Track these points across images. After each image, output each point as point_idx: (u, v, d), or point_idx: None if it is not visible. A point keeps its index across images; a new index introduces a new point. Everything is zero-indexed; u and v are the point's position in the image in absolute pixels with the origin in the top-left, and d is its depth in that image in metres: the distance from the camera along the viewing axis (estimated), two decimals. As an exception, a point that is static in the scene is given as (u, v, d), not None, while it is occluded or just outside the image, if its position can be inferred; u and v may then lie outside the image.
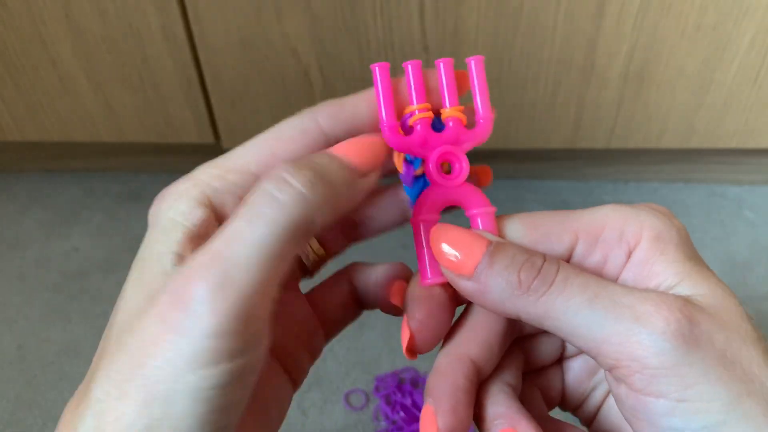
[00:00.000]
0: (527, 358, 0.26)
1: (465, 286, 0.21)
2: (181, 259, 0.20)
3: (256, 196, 0.18)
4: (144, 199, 0.81)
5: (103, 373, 0.18)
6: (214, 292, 0.17)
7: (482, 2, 0.58)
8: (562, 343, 0.26)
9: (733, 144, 0.68)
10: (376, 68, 0.24)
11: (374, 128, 0.24)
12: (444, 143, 0.24)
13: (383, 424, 0.57)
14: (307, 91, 0.66)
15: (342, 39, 0.62)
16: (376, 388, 0.59)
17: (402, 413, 0.57)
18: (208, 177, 0.23)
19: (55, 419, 0.67)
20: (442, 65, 0.25)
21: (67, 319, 0.67)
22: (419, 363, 0.61)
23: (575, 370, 0.27)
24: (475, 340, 0.22)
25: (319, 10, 0.60)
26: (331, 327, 0.25)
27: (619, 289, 0.19)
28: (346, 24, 0.61)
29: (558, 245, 0.22)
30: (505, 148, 0.71)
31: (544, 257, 0.20)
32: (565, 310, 0.19)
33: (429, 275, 0.23)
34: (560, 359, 0.27)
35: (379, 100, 0.24)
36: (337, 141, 0.23)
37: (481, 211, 0.23)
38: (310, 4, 0.60)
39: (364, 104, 0.24)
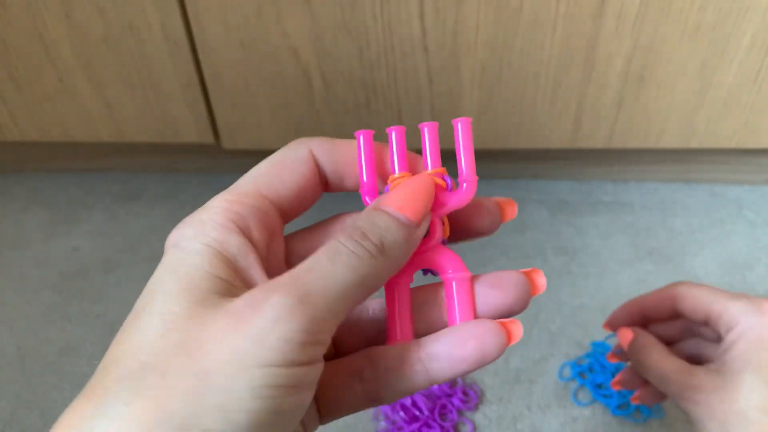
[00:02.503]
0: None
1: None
2: (222, 282, 0.20)
3: (335, 244, 0.20)
4: (144, 199, 0.81)
5: (126, 368, 0.18)
6: (294, 303, 0.18)
7: (482, 2, 0.58)
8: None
9: (733, 144, 0.68)
10: (360, 136, 0.25)
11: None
12: None
13: (383, 424, 0.57)
14: (307, 91, 0.66)
15: (342, 39, 0.62)
16: (376, 388, 0.59)
17: (402, 413, 0.57)
18: (228, 203, 0.23)
19: (55, 419, 0.66)
20: (426, 129, 0.25)
21: (67, 319, 0.67)
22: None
23: None
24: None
25: (319, 11, 0.60)
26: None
27: None
28: (346, 24, 0.61)
29: (667, 304, 0.45)
30: (504, 148, 0.71)
31: (639, 344, 0.45)
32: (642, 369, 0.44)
33: (399, 336, 0.24)
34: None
35: (360, 165, 0.24)
36: (326, 175, 0.25)
37: (456, 276, 0.24)
38: (310, 5, 0.60)
39: (352, 155, 0.25)
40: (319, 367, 0.19)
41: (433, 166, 0.25)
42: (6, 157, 0.84)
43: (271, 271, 0.22)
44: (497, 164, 0.79)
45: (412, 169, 0.25)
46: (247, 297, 0.19)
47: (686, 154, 0.76)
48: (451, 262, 0.24)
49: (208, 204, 0.23)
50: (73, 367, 0.63)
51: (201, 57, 0.64)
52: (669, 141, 0.69)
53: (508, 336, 0.24)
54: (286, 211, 0.24)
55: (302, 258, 0.23)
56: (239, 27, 0.62)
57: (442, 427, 0.56)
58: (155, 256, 0.75)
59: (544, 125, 0.68)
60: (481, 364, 0.23)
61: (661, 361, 0.41)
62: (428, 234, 0.24)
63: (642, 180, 0.79)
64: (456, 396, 0.58)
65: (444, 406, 0.58)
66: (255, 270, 0.21)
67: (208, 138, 0.72)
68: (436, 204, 0.24)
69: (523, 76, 0.64)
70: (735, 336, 0.38)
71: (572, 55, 0.62)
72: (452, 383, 0.59)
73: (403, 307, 0.24)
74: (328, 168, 0.24)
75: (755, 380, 0.35)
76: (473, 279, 0.24)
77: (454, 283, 0.24)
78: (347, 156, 0.24)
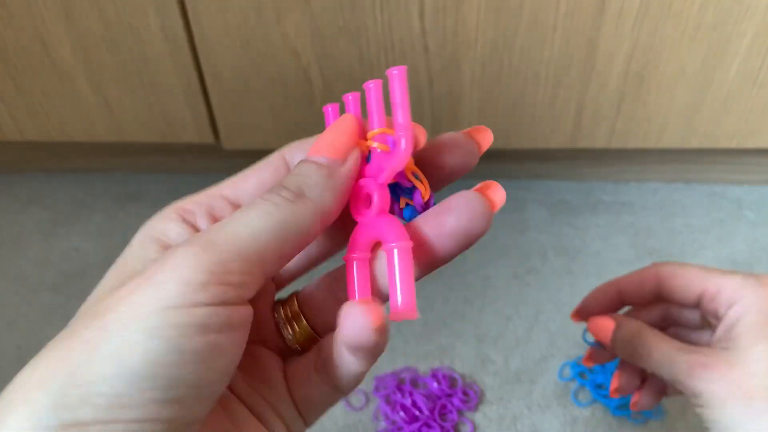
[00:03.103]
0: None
1: (608, 347, 0.42)
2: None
3: (252, 200, 0.21)
4: (144, 199, 0.81)
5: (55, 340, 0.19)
6: (197, 251, 0.18)
7: (482, 2, 0.58)
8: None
9: (733, 144, 0.68)
10: (329, 109, 0.25)
11: None
12: (370, 174, 0.23)
13: (383, 424, 0.57)
14: (307, 91, 0.66)
15: (342, 39, 0.62)
16: (376, 388, 0.59)
17: (402, 413, 0.57)
18: (183, 203, 0.24)
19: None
20: (371, 86, 0.24)
21: (67, 319, 0.67)
22: (418, 363, 0.61)
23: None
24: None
25: (319, 10, 0.60)
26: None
27: None
28: (346, 24, 0.61)
29: (648, 286, 0.40)
30: (504, 148, 0.71)
31: (641, 338, 0.38)
32: (652, 369, 0.38)
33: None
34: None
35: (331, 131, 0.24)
36: None
37: (399, 245, 0.21)
38: (310, 5, 0.60)
39: None
40: (235, 310, 0.19)
41: (378, 125, 0.23)
42: (6, 157, 0.84)
43: None
44: (497, 164, 0.79)
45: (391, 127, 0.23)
46: (158, 257, 0.19)
47: (686, 154, 0.76)
48: (392, 231, 0.21)
49: (171, 204, 0.25)
50: (73, 367, 0.62)
51: (201, 57, 0.64)
52: (669, 141, 0.69)
53: (491, 204, 0.22)
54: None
55: None
56: (239, 27, 0.62)
57: (442, 427, 0.56)
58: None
59: (544, 125, 0.68)
60: (466, 245, 0.21)
61: (662, 343, 0.36)
62: (369, 205, 0.22)
63: (642, 180, 0.79)
64: (456, 396, 0.58)
65: (444, 406, 0.58)
66: None
67: (208, 138, 0.72)
68: (375, 170, 0.22)
69: (523, 76, 0.64)
70: (739, 311, 0.35)
71: (572, 55, 0.62)
72: (452, 383, 0.59)
73: (361, 282, 0.22)
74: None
75: None
76: (423, 216, 0.22)
77: (395, 252, 0.21)
78: None
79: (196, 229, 0.23)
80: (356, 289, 0.22)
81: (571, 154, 0.77)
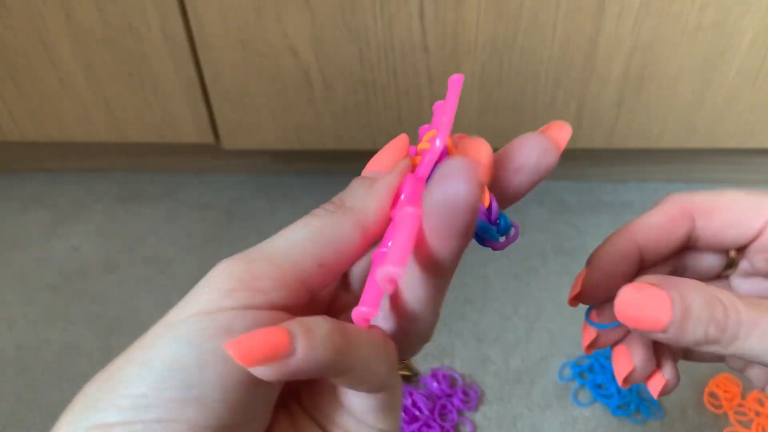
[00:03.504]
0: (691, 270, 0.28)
1: (659, 337, 0.22)
2: None
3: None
4: (144, 199, 0.81)
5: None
6: (231, 262, 0.19)
7: (482, 2, 0.58)
8: (722, 262, 0.27)
9: (733, 144, 0.68)
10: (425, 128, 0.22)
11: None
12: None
13: (383, 424, 0.57)
14: (307, 91, 0.66)
15: (342, 39, 0.62)
16: (376, 388, 0.59)
17: (402, 413, 0.57)
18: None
19: (55, 419, 0.66)
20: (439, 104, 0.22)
21: (67, 319, 0.67)
22: (418, 363, 0.61)
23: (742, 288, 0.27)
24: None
25: (319, 10, 0.60)
26: None
27: None
28: (346, 24, 0.61)
29: (681, 229, 0.25)
30: (505, 148, 0.71)
31: (725, 308, 0.21)
32: (753, 353, 0.21)
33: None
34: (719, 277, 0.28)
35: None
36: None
37: (406, 212, 0.20)
38: (310, 4, 0.59)
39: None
40: (262, 314, 0.18)
41: (431, 129, 0.22)
42: (6, 157, 0.84)
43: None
44: (497, 164, 0.79)
45: (455, 148, 0.22)
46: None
47: (686, 154, 0.76)
48: (406, 199, 0.21)
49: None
50: (72, 367, 0.62)
51: (201, 57, 0.64)
52: (669, 141, 0.68)
53: (558, 146, 0.21)
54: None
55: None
56: (239, 27, 0.62)
57: (442, 428, 0.56)
58: (155, 257, 0.75)
59: (545, 125, 0.68)
60: (536, 179, 0.21)
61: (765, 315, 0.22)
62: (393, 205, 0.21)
63: (642, 180, 0.79)
64: (456, 396, 0.58)
65: (444, 407, 0.58)
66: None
67: (208, 138, 0.72)
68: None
69: (523, 76, 0.64)
70: None
71: (572, 55, 0.62)
72: (452, 383, 0.59)
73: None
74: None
75: None
76: (490, 158, 0.21)
77: (405, 218, 0.19)
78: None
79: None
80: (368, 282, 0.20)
81: (571, 154, 0.77)
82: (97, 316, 0.67)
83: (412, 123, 0.68)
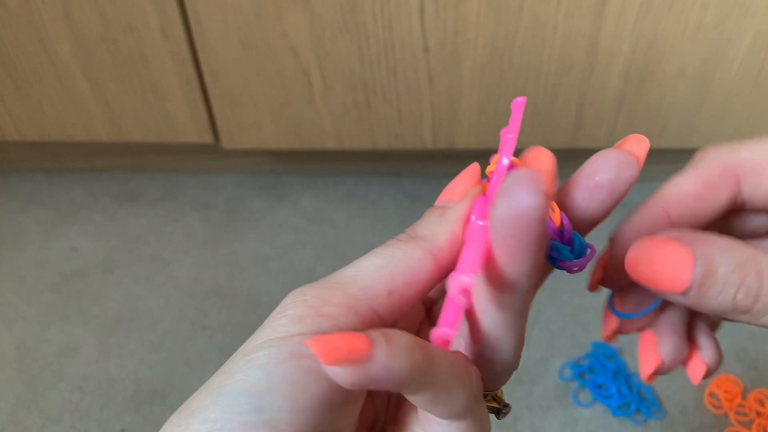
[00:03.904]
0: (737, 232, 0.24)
1: (677, 299, 0.20)
2: None
3: None
4: (144, 199, 0.81)
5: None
6: (305, 289, 0.20)
7: (482, 2, 0.58)
8: None
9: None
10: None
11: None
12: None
13: (383, 424, 0.57)
14: (307, 91, 0.66)
15: (342, 39, 0.62)
16: (376, 389, 0.59)
17: None
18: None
19: (54, 419, 0.67)
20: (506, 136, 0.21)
21: (66, 320, 0.67)
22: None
23: None
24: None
25: (319, 10, 0.60)
26: None
27: None
28: (346, 24, 0.60)
29: (723, 194, 0.21)
30: (505, 147, 0.71)
31: (761, 273, 0.19)
32: None
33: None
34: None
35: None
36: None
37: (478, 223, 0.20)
38: (310, 4, 0.59)
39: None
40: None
41: (500, 155, 0.21)
42: (5, 157, 0.84)
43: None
44: (497, 164, 0.79)
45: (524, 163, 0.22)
46: None
47: (687, 154, 0.76)
48: (476, 217, 0.20)
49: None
50: (72, 368, 0.62)
51: (200, 57, 0.64)
52: (670, 140, 0.68)
53: (637, 158, 0.21)
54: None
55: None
56: (239, 27, 0.61)
57: (442, 428, 0.56)
58: (154, 257, 0.75)
59: (545, 125, 0.68)
60: (618, 196, 0.21)
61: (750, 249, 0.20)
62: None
63: (643, 180, 0.79)
64: (456, 396, 0.58)
65: (444, 407, 0.57)
66: None
67: (208, 138, 0.72)
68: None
69: (524, 76, 0.64)
70: None
71: (573, 54, 0.61)
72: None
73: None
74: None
75: None
76: (570, 182, 0.21)
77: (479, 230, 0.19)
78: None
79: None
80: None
81: (571, 153, 0.77)
82: (97, 316, 0.67)
83: (412, 123, 0.68)
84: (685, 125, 0.67)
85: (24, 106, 0.70)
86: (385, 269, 0.20)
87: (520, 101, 0.22)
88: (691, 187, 0.23)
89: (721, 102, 0.64)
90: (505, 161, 0.20)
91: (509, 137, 0.21)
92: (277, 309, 0.20)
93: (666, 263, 0.19)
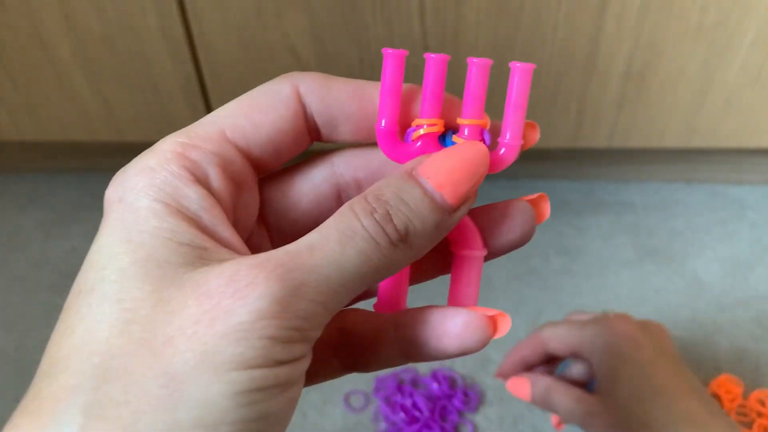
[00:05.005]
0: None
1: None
2: (186, 248, 0.17)
3: (349, 220, 0.17)
4: (143, 199, 0.81)
5: (78, 373, 0.15)
6: (285, 296, 0.15)
7: (482, 2, 0.58)
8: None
9: (735, 144, 0.68)
10: (389, 56, 0.20)
11: (360, 128, 0.21)
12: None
13: (383, 425, 0.57)
14: (306, 91, 0.66)
15: (342, 38, 0.61)
16: (376, 389, 0.59)
17: (402, 414, 0.56)
18: (181, 147, 0.18)
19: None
20: (474, 67, 0.20)
21: (66, 320, 0.67)
22: (419, 364, 0.61)
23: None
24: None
25: (319, 10, 0.60)
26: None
27: None
28: (346, 23, 0.60)
29: (539, 351, 0.48)
30: (505, 147, 0.71)
31: (549, 390, 0.45)
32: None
33: (387, 306, 0.22)
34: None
35: (382, 97, 0.20)
36: (315, 120, 0.20)
37: (470, 254, 0.21)
38: (310, 4, 0.59)
39: (352, 99, 0.20)
40: (308, 359, 0.17)
41: (470, 115, 0.20)
42: (5, 157, 0.84)
43: (241, 233, 0.19)
44: (498, 164, 0.79)
45: (446, 116, 0.21)
46: (226, 274, 0.16)
47: (688, 154, 0.76)
48: (468, 237, 0.20)
49: (157, 146, 0.19)
50: (72, 368, 0.62)
51: (200, 56, 0.64)
52: (670, 140, 0.68)
53: (494, 330, 0.22)
54: (260, 160, 0.20)
55: (279, 213, 0.21)
56: (239, 26, 0.61)
57: (442, 429, 0.56)
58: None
59: (545, 125, 0.67)
60: (461, 355, 0.22)
61: (564, 396, 0.43)
62: None
63: (643, 180, 0.79)
64: (456, 397, 0.58)
65: (444, 408, 0.57)
66: (223, 228, 0.18)
67: (208, 138, 0.72)
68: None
69: (524, 76, 0.63)
70: (598, 360, 0.42)
71: (573, 54, 0.61)
72: (452, 384, 0.59)
73: (402, 277, 0.21)
74: (319, 112, 0.20)
75: (624, 394, 0.40)
76: (477, 213, 0.21)
77: (465, 262, 0.20)
78: (344, 99, 0.20)
79: (212, 192, 0.18)
80: (396, 282, 0.21)
81: (572, 153, 0.77)
82: (96, 316, 0.67)
83: (412, 123, 0.68)
84: (685, 125, 0.67)
85: (23, 105, 0.70)
86: (366, 278, 0.17)
87: (522, 66, 0.21)
88: (526, 345, 0.48)
89: (721, 102, 0.64)
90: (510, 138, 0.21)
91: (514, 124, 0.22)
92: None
93: (522, 387, 0.47)
